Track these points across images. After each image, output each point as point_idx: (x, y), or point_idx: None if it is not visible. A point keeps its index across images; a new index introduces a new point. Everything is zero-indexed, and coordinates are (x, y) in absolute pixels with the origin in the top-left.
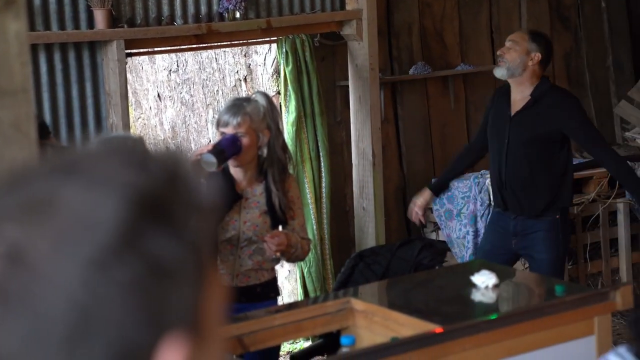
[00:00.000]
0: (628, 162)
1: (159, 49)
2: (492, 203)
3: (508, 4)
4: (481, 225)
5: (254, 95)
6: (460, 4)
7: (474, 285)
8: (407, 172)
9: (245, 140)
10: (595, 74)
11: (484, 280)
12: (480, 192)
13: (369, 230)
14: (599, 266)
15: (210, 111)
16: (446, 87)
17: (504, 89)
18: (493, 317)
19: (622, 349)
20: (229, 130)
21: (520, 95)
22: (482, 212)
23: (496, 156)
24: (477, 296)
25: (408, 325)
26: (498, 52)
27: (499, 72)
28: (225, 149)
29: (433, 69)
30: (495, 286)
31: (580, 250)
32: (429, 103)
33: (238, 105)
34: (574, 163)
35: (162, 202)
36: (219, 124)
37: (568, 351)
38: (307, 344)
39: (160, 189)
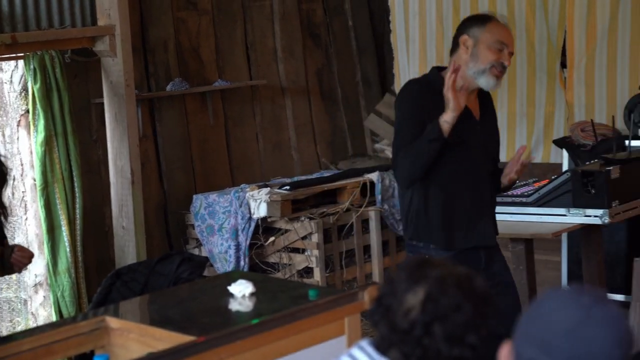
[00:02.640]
0: (378, 171)
1: None
2: (434, 244)
3: (262, 21)
4: (242, 239)
5: None
6: (215, 20)
7: (231, 295)
8: (168, 189)
9: None
10: (345, 89)
11: (240, 289)
12: (240, 206)
13: (129, 249)
14: (354, 272)
15: None
16: (204, 103)
17: (428, 81)
18: (251, 323)
19: (364, 342)
20: None
21: (473, 96)
22: (243, 225)
23: (469, 176)
24: (234, 305)
25: (165, 340)
26: (505, 63)
27: (500, 82)
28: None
29: (190, 85)
30: (252, 294)
31: (336, 257)
32: (188, 119)
33: None
34: (330, 175)
35: None
36: None
37: (320, 352)
38: None
39: None
